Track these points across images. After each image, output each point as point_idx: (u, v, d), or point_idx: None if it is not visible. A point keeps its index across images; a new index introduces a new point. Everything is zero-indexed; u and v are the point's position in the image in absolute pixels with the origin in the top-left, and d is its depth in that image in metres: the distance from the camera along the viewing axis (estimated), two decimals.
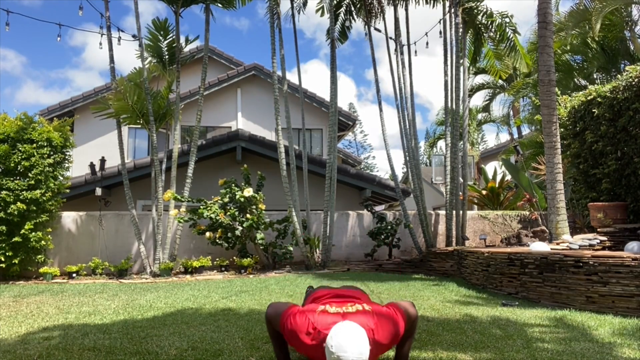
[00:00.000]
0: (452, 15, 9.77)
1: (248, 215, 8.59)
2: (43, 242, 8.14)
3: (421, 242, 9.70)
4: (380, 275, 7.84)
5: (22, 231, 7.86)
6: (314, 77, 67.73)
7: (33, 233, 7.96)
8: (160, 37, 9.65)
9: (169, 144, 11.31)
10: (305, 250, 8.80)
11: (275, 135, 10.59)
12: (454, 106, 9.73)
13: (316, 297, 2.83)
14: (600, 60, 12.42)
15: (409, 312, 2.62)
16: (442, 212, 10.22)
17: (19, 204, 7.82)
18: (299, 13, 10.66)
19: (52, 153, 8.41)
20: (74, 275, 8.34)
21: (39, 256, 8.22)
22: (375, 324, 2.44)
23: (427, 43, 10.75)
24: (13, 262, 7.83)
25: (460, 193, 9.77)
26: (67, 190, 8.93)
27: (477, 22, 10.19)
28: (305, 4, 10.65)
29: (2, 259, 7.76)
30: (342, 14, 10.92)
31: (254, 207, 8.66)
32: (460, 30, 9.80)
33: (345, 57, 71.73)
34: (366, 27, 10.55)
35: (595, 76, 12.82)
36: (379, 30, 10.66)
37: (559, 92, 8.13)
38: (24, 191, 7.96)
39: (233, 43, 66.81)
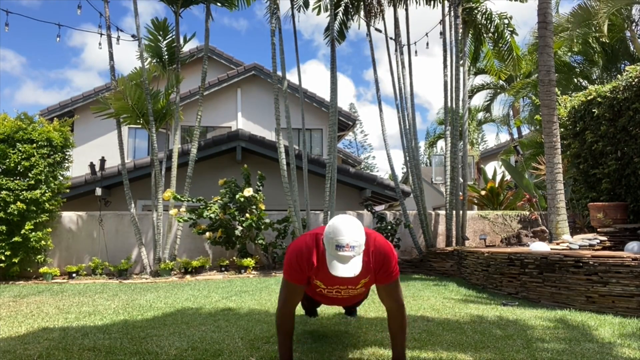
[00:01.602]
0: (452, 15, 9.76)
1: (248, 215, 8.59)
2: (43, 242, 8.14)
3: (421, 242, 9.70)
4: None
5: (22, 231, 7.86)
6: (313, 77, 67.77)
7: (33, 233, 7.96)
8: (160, 37, 9.65)
9: (169, 144, 11.27)
10: None
11: (275, 135, 10.59)
12: (453, 106, 9.73)
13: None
14: (602, 60, 12.43)
15: (398, 293, 2.70)
16: (442, 212, 10.22)
17: (18, 203, 7.82)
18: (299, 12, 10.65)
19: (52, 153, 8.42)
20: (74, 275, 8.34)
21: (39, 256, 8.22)
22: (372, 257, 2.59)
23: (427, 43, 10.76)
24: (13, 261, 7.83)
25: (460, 193, 9.76)
26: (67, 190, 8.93)
27: (477, 22, 10.19)
28: (307, 4, 10.65)
29: (2, 259, 7.75)
30: (341, 14, 10.92)
31: (254, 207, 8.66)
32: (460, 30, 9.79)
33: (344, 57, 71.80)
34: (366, 27, 10.55)
35: (595, 76, 12.83)
36: (379, 31, 10.65)
37: (559, 92, 8.14)
38: (23, 191, 7.96)
39: (232, 43, 66.85)
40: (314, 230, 2.70)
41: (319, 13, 10.89)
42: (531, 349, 3.09)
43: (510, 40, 10.22)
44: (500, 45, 10.42)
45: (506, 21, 10.01)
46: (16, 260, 7.84)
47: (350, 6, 10.81)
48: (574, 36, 11.26)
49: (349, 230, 2.36)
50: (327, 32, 9.78)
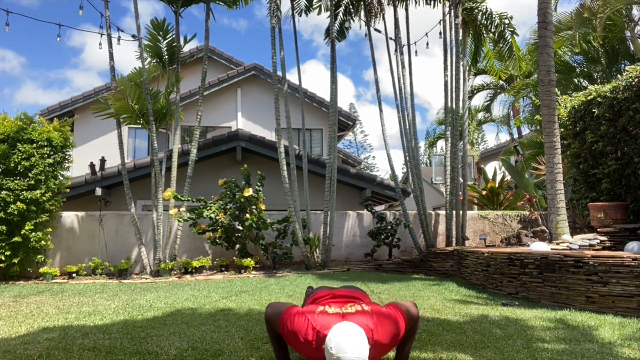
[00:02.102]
0: (452, 15, 9.76)
1: (248, 215, 8.59)
2: (43, 242, 8.14)
3: (421, 242, 9.70)
4: (380, 275, 7.84)
5: (22, 231, 7.85)
6: (312, 78, 67.77)
7: (33, 233, 7.96)
8: (160, 37, 9.64)
9: (169, 144, 11.28)
10: (305, 250, 8.80)
11: (275, 135, 10.59)
12: (453, 106, 9.73)
13: (316, 298, 2.83)
14: (603, 60, 12.43)
15: (411, 312, 2.61)
16: (442, 212, 10.22)
17: (19, 203, 7.82)
18: (300, 15, 10.67)
19: (52, 153, 8.41)
20: (74, 275, 8.33)
21: (39, 256, 8.22)
22: (375, 324, 2.44)
23: (427, 43, 10.75)
24: (13, 262, 7.83)
25: (460, 193, 9.77)
26: (67, 190, 8.93)
27: (478, 22, 10.19)
28: (308, 9, 10.65)
29: (2, 259, 7.76)
30: (341, 14, 10.92)
31: (254, 207, 8.66)
32: (460, 30, 9.79)
33: (344, 57, 71.79)
34: (366, 27, 10.55)
35: (595, 76, 12.83)
36: (379, 31, 10.65)
37: (559, 92, 8.13)
38: (24, 191, 7.96)
39: (232, 44, 66.84)
40: (315, 323, 2.47)
41: (319, 13, 10.90)
42: (531, 349, 3.09)
43: (510, 40, 10.21)
44: (501, 45, 10.42)
45: (506, 21, 10.01)
46: (16, 261, 7.84)
47: (351, 6, 10.81)
48: (576, 36, 11.25)
49: (353, 347, 2.23)
50: (327, 32, 9.78)
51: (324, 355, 2.31)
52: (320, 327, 2.40)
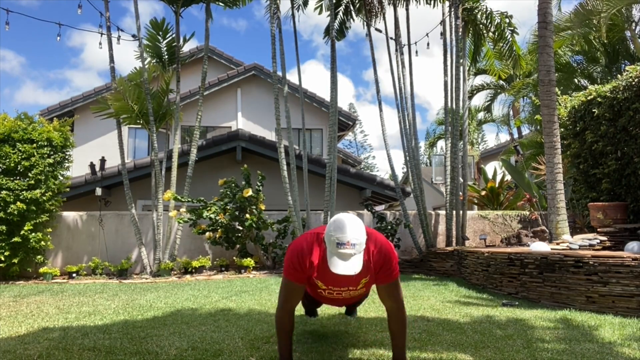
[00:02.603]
0: (452, 15, 9.76)
1: (248, 215, 8.59)
2: (43, 243, 8.14)
3: (421, 242, 9.69)
4: None
5: (22, 232, 7.85)
6: (311, 78, 67.79)
7: (33, 234, 7.96)
8: (160, 37, 9.65)
9: (169, 144, 11.27)
10: None
11: (275, 135, 10.59)
12: (453, 106, 9.73)
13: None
14: (603, 60, 12.43)
15: (399, 294, 2.70)
16: (442, 212, 10.22)
17: (18, 203, 7.82)
18: (298, 11, 10.66)
19: (52, 153, 8.42)
20: (74, 275, 8.34)
21: (38, 257, 8.21)
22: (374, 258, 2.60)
23: (427, 44, 10.75)
24: (12, 261, 7.82)
25: (460, 193, 9.76)
26: (67, 190, 8.93)
27: (478, 22, 10.18)
28: (306, 3, 10.65)
29: (2, 259, 7.75)
30: (341, 13, 10.92)
31: (254, 207, 8.66)
32: (460, 30, 9.79)
33: (343, 57, 71.80)
34: (366, 27, 10.55)
35: (595, 76, 12.83)
36: (379, 31, 10.65)
37: (559, 92, 8.13)
38: (24, 191, 7.96)
39: (231, 44, 66.88)
40: (315, 230, 2.70)
41: (320, 12, 10.90)
42: (531, 349, 3.09)
43: (511, 39, 10.20)
44: (501, 44, 10.41)
45: (507, 20, 9.99)
46: (15, 261, 7.84)
47: (352, 5, 10.81)
48: (576, 35, 11.25)
49: (351, 228, 2.36)
50: (327, 31, 9.78)
51: (326, 269, 2.42)
52: (317, 232, 2.63)
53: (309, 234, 2.69)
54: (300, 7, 10.65)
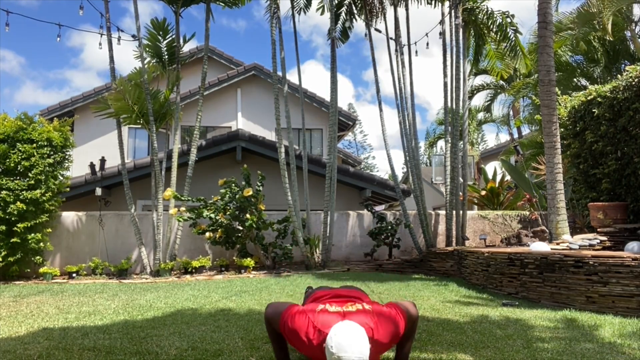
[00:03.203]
0: (452, 15, 9.76)
1: (248, 215, 8.59)
2: (42, 244, 8.14)
3: (421, 242, 9.69)
4: (380, 275, 7.84)
5: (21, 231, 7.84)
6: (311, 78, 67.79)
7: (32, 234, 7.96)
8: (160, 37, 9.65)
9: (169, 144, 11.28)
10: (305, 250, 8.80)
11: (275, 135, 10.60)
12: (453, 106, 9.73)
13: (316, 298, 2.83)
14: (603, 60, 12.43)
15: (410, 312, 2.62)
16: (442, 212, 10.22)
17: (18, 203, 7.82)
18: (298, 14, 10.67)
19: (52, 153, 8.41)
20: (74, 275, 8.33)
21: (37, 257, 8.19)
22: (375, 323, 2.44)
23: (427, 44, 10.75)
24: (9, 260, 7.79)
25: (460, 193, 9.76)
26: (67, 190, 8.93)
27: (478, 22, 10.18)
28: (308, 5, 10.65)
29: (1, 259, 7.75)
30: (343, 14, 10.92)
31: (254, 207, 8.66)
32: (460, 30, 9.79)
33: (343, 57, 71.79)
34: (366, 27, 10.55)
35: (595, 76, 12.84)
36: (379, 31, 10.65)
37: (559, 92, 8.13)
38: (23, 191, 7.96)
39: (231, 44, 66.89)
40: (318, 325, 2.46)
41: (322, 13, 10.91)
42: (531, 349, 3.09)
43: (514, 38, 10.18)
44: (504, 44, 10.39)
45: (508, 19, 9.97)
46: (12, 260, 7.81)
47: (353, 6, 10.82)
48: (577, 36, 11.24)
49: (354, 346, 2.23)
50: (329, 32, 9.77)
51: (324, 354, 2.31)
52: (321, 326, 2.40)
53: (312, 327, 2.46)
54: (302, 10, 10.68)
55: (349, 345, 2.23)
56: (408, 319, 2.59)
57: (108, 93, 9.53)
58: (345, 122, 16.08)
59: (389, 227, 9.39)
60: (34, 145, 8.23)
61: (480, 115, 20.85)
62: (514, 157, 16.31)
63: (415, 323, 2.66)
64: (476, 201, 13.29)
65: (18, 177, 8.13)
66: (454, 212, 9.53)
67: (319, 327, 2.41)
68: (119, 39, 9.62)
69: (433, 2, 10.48)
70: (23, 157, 8.08)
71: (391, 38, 10.39)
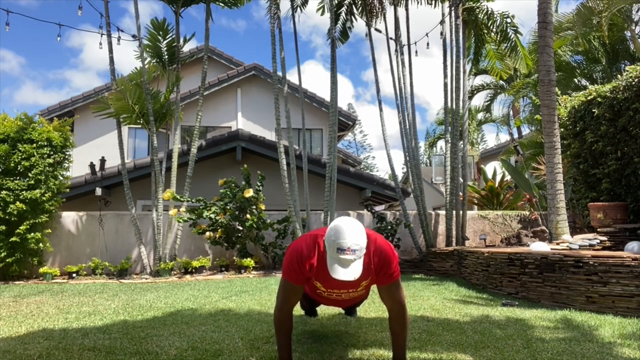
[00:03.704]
0: (453, 15, 9.76)
1: (248, 216, 8.59)
2: (41, 245, 8.13)
3: (421, 242, 9.69)
4: None
5: (21, 231, 7.84)
6: (310, 78, 67.77)
7: (32, 234, 7.96)
8: (160, 37, 9.65)
9: (169, 144, 11.29)
10: None
11: (275, 135, 10.59)
12: (453, 106, 9.73)
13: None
14: (603, 60, 12.43)
15: (400, 295, 2.67)
16: (442, 212, 10.22)
17: (18, 203, 7.82)
18: (295, 12, 10.65)
19: (52, 153, 8.41)
20: (74, 275, 8.33)
21: (37, 257, 8.18)
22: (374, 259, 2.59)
23: (427, 44, 10.76)
24: (9, 260, 7.78)
25: (460, 193, 9.76)
26: (67, 190, 8.93)
27: (478, 22, 10.18)
28: (305, 3, 10.65)
29: (0, 259, 7.75)
30: (342, 14, 10.92)
31: (254, 207, 8.66)
32: (461, 30, 9.79)
33: (342, 57, 71.78)
34: (366, 27, 10.55)
35: (595, 76, 12.83)
36: (379, 31, 10.66)
37: (559, 92, 8.13)
38: (23, 191, 7.96)
39: (231, 44, 66.92)
40: (315, 232, 2.69)
41: (322, 14, 10.90)
42: (531, 349, 3.09)
43: (514, 39, 10.18)
44: (504, 44, 10.39)
45: (508, 20, 9.97)
46: (10, 261, 7.80)
47: (353, 5, 10.81)
48: (578, 35, 11.25)
49: (351, 233, 2.35)
50: (329, 32, 9.77)
51: (326, 271, 2.41)
52: (317, 234, 2.62)
53: (309, 236, 2.68)
54: (299, 7, 10.65)
55: (348, 231, 2.34)
56: (395, 285, 2.65)
57: (108, 93, 9.53)
58: (345, 122, 16.08)
59: (389, 227, 9.39)
60: (34, 145, 8.23)
61: (480, 115, 20.84)
62: (514, 157, 16.31)
63: (403, 310, 2.68)
64: (476, 201, 13.29)
65: (18, 177, 8.13)
66: (454, 212, 9.53)
67: (313, 233, 2.65)
68: (119, 39, 9.63)
69: (433, 2, 10.48)
70: (23, 157, 8.08)
71: (391, 38, 10.40)
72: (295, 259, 2.57)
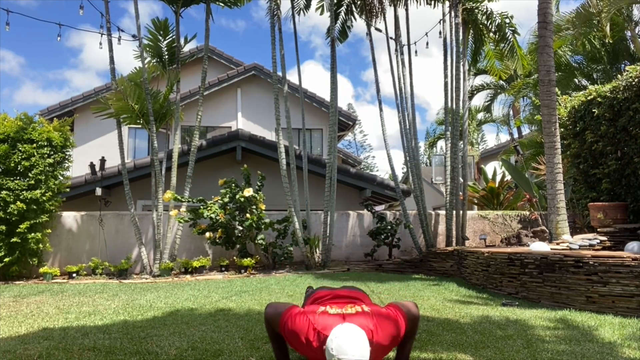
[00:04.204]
0: (452, 15, 9.76)
1: (248, 215, 8.59)
2: (41, 245, 8.13)
3: (421, 242, 9.69)
4: (380, 275, 7.84)
5: (21, 231, 7.84)
6: (310, 78, 67.75)
7: (32, 234, 7.95)
8: (160, 37, 9.65)
9: (169, 144, 11.28)
10: (305, 250, 8.80)
11: (275, 135, 10.59)
12: (453, 106, 9.73)
13: (316, 298, 2.82)
14: (604, 60, 12.43)
15: (411, 312, 2.61)
16: (442, 212, 10.22)
17: (18, 203, 7.82)
18: (298, 14, 10.67)
19: (52, 153, 8.41)
20: (74, 275, 8.33)
21: (37, 257, 8.18)
22: (375, 325, 2.44)
23: (427, 43, 10.76)
24: (9, 260, 7.77)
25: (460, 193, 9.77)
26: (67, 190, 8.93)
27: (478, 22, 10.18)
28: (308, 6, 10.66)
29: (0, 259, 7.75)
30: (342, 13, 10.93)
31: (254, 207, 8.66)
32: (460, 30, 9.79)
33: (342, 57, 71.70)
34: (366, 27, 10.55)
35: (595, 76, 12.83)
36: (379, 30, 10.66)
37: (559, 92, 8.13)
38: (24, 191, 7.96)
39: (230, 44, 66.89)
40: (317, 327, 2.46)
41: (322, 13, 10.91)
42: (531, 349, 3.09)
43: (512, 39, 10.19)
44: (502, 44, 10.40)
45: (507, 20, 9.99)
46: (12, 260, 7.80)
47: (353, 5, 10.82)
48: (578, 35, 11.25)
49: (354, 348, 2.25)
50: (328, 31, 9.78)
51: (324, 356, 2.31)
52: (322, 328, 2.40)
53: (312, 329, 2.47)
54: (302, 11, 10.68)
55: (349, 347, 2.24)
56: (409, 319, 2.58)
57: (109, 93, 9.52)
58: (345, 122, 16.08)
59: (389, 227, 9.39)
60: (34, 145, 8.23)
61: (480, 115, 20.84)
62: (514, 157, 16.32)
63: (416, 323, 2.66)
64: (476, 201, 13.30)
65: (18, 177, 8.13)
66: (454, 212, 9.53)
67: (319, 330, 2.41)
68: (119, 38, 9.62)
69: (433, 2, 10.49)
70: (23, 157, 8.08)
71: (391, 38, 10.40)
72: (302, 338, 2.45)
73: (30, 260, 8.14)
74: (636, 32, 11.97)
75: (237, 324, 3.88)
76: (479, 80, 18.21)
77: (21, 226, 7.83)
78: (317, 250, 9.18)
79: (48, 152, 8.33)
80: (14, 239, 7.76)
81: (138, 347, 3.16)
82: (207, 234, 8.58)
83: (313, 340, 2.41)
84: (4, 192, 7.85)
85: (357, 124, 20.93)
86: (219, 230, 8.58)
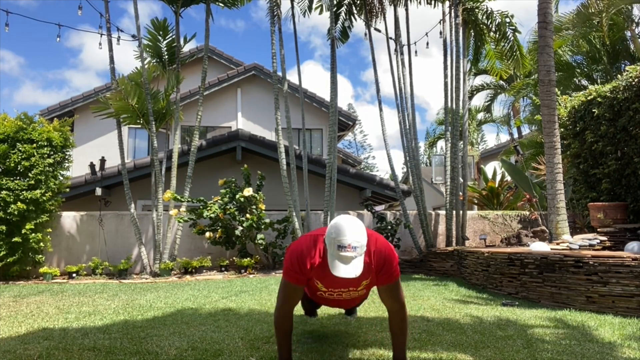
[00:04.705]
0: (452, 15, 9.76)
1: (248, 215, 8.59)
2: (42, 244, 8.13)
3: (421, 242, 9.69)
4: None
5: (22, 231, 7.84)
6: (310, 78, 67.75)
7: (32, 234, 7.95)
8: (160, 37, 9.66)
9: (169, 144, 11.27)
10: None
11: (275, 135, 10.59)
12: (453, 106, 9.73)
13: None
14: (604, 60, 12.43)
15: (397, 297, 2.69)
16: (442, 212, 10.22)
17: (18, 203, 7.82)
18: (303, 15, 10.69)
19: (52, 153, 8.41)
20: (74, 275, 8.33)
21: (37, 257, 8.18)
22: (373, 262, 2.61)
23: (427, 43, 10.75)
24: (9, 260, 7.77)
25: (460, 193, 9.76)
26: (67, 190, 8.92)
27: (478, 22, 10.18)
28: (310, 7, 10.66)
29: (0, 259, 7.75)
30: (342, 14, 10.92)
31: (254, 207, 8.66)
32: (460, 30, 9.79)
33: (342, 57, 71.77)
34: (366, 27, 10.54)
35: (595, 76, 12.83)
36: (379, 31, 10.65)
37: (559, 92, 8.13)
38: (24, 191, 7.96)
39: (230, 45, 66.90)
40: (315, 232, 2.70)
41: (321, 12, 10.90)
42: (531, 349, 3.09)
43: (512, 39, 10.18)
44: (503, 44, 10.40)
45: (507, 19, 9.97)
46: (12, 260, 7.79)
47: (353, 5, 10.81)
48: (578, 35, 11.24)
49: (352, 230, 2.36)
50: (328, 32, 9.78)
51: (326, 271, 2.43)
52: (317, 234, 2.64)
53: (309, 235, 2.69)
54: (306, 12, 10.68)
55: (348, 228, 2.36)
56: (395, 285, 2.67)
57: (109, 93, 9.53)
58: (345, 122, 16.08)
59: (389, 227, 9.39)
60: (34, 145, 8.23)
61: (480, 116, 20.84)
62: (514, 157, 16.31)
63: (402, 316, 2.69)
64: (476, 201, 13.29)
65: (18, 177, 8.13)
66: (454, 212, 9.53)
67: (312, 234, 2.67)
68: (118, 39, 9.62)
69: (433, 2, 10.48)
70: (23, 157, 8.08)
71: (391, 38, 10.39)
72: (296, 259, 2.58)
73: (35, 257, 8.13)
74: (636, 32, 11.97)
75: (237, 324, 3.88)
76: (479, 80, 18.23)
77: (26, 227, 7.83)
78: None
79: (48, 152, 8.33)
80: (16, 239, 7.75)
81: (138, 347, 3.16)
82: (207, 234, 8.58)
83: (310, 242, 2.62)
84: (4, 192, 7.85)
85: (357, 124, 20.93)
86: (219, 230, 8.58)
